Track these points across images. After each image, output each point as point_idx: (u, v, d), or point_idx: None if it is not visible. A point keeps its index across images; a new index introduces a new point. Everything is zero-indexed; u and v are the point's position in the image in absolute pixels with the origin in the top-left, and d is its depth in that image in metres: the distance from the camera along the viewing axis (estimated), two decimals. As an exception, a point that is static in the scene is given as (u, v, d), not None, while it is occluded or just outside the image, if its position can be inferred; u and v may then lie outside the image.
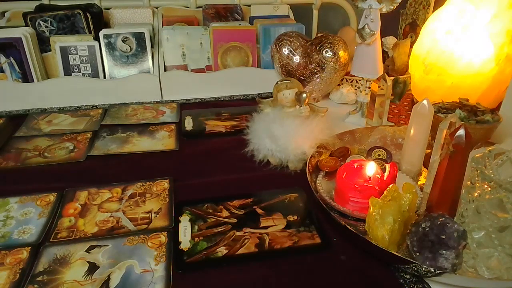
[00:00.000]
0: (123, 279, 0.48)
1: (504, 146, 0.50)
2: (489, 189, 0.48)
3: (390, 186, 0.53)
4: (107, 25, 1.12)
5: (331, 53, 0.93)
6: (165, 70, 1.03)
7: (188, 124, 0.89)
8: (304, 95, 0.73)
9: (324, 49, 0.93)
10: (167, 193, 0.64)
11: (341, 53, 0.93)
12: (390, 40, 1.10)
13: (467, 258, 0.49)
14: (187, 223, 0.58)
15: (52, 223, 0.58)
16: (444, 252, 0.47)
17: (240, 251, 0.53)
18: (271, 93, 0.77)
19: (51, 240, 0.54)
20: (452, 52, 0.79)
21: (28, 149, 0.77)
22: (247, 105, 0.99)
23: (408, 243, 0.50)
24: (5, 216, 0.59)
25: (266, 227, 0.57)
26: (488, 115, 0.68)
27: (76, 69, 0.99)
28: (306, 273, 0.50)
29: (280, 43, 0.98)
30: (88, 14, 1.03)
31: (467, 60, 0.78)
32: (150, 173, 0.70)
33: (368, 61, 0.86)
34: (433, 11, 0.91)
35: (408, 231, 0.51)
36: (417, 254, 0.49)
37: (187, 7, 1.20)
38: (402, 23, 1.28)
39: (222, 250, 0.53)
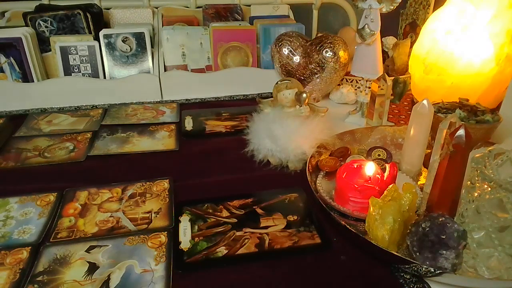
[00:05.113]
0: (123, 279, 0.48)
1: (504, 146, 0.50)
2: (489, 189, 0.48)
3: (390, 186, 0.53)
4: (107, 25, 1.12)
5: (331, 53, 0.93)
6: (165, 70, 1.03)
7: (188, 124, 0.89)
8: (304, 95, 0.73)
9: (324, 49, 0.93)
10: (167, 193, 0.64)
11: (341, 53, 0.93)
12: (390, 40, 1.10)
13: (467, 258, 0.49)
14: (187, 223, 0.58)
15: (52, 223, 0.58)
16: (444, 252, 0.47)
17: (240, 251, 0.53)
18: (271, 93, 0.77)
19: (51, 240, 0.54)
20: (452, 52, 0.79)
21: (28, 149, 0.77)
22: (247, 105, 0.99)
23: (408, 243, 0.50)
24: (5, 216, 0.59)
25: (266, 227, 0.57)
26: (488, 115, 0.68)
27: (76, 69, 0.99)
28: (306, 273, 0.50)
29: (280, 43, 0.98)
30: (88, 14, 1.03)
31: (467, 60, 0.78)
32: (150, 173, 0.70)
33: (368, 61, 0.86)
34: (433, 11, 0.91)
35: (408, 231, 0.51)
36: (417, 254, 0.49)
37: (187, 7, 1.20)
38: (402, 23, 1.28)
39: (222, 250, 0.53)
